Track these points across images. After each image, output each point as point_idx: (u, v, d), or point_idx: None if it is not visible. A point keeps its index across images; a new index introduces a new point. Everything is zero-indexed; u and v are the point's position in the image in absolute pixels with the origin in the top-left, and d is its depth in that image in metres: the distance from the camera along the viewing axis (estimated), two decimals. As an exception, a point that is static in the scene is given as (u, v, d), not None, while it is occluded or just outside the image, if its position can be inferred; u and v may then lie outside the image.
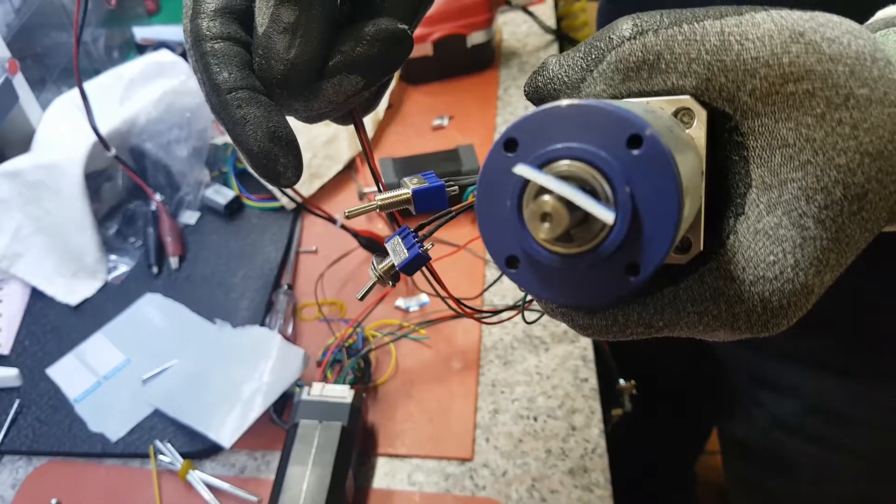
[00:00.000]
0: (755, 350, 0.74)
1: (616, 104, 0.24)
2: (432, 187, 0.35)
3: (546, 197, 0.23)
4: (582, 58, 0.29)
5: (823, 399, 0.70)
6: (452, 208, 0.35)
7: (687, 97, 0.27)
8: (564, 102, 0.24)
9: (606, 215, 0.22)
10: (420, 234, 0.35)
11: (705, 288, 0.27)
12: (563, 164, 0.23)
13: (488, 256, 0.84)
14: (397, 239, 0.34)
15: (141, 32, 1.12)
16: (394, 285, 0.36)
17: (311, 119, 0.35)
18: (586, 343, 0.76)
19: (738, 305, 0.27)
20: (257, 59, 0.32)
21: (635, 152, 0.23)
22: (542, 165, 0.24)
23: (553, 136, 0.24)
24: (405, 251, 0.34)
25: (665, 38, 0.27)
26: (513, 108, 1.03)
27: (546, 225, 0.23)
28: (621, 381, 0.82)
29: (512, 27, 1.18)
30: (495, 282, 0.80)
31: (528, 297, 0.39)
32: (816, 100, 0.25)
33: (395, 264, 0.34)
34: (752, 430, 0.80)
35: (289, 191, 0.71)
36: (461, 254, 0.81)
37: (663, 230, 0.23)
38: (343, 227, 0.75)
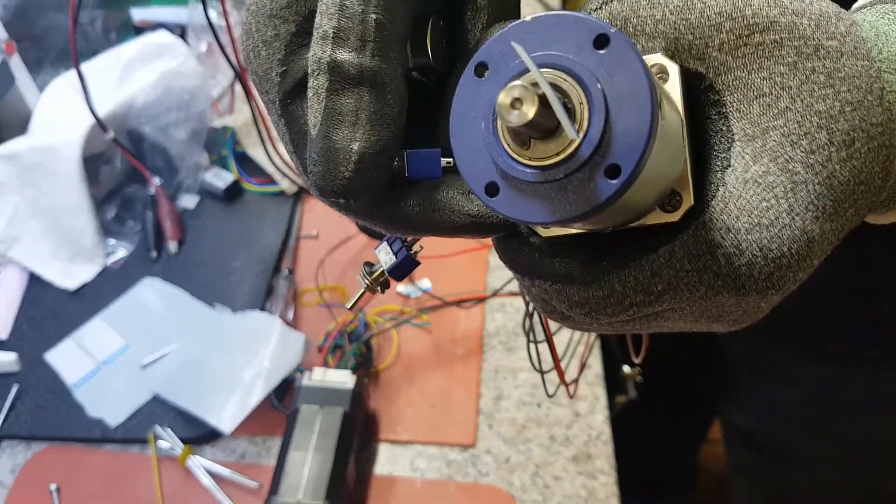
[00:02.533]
0: (755, 339, 0.74)
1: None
2: (427, 151, 0.31)
3: (516, 82, 0.22)
4: None
5: (823, 388, 0.70)
6: None
7: (658, 54, 0.27)
8: (529, 17, 0.24)
9: (577, 96, 0.22)
10: (408, 239, 0.34)
11: (701, 241, 0.26)
12: (532, 72, 0.23)
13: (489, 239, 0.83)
14: (385, 244, 0.34)
15: (139, 14, 1.10)
16: (383, 291, 0.35)
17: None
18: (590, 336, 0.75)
19: (738, 257, 0.26)
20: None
21: (602, 51, 0.23)
22: (512, 79, 0.23)
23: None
24: (393, 256, 0.33)
25: (630, 4, 0.27)
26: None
27: (515, 112, 0.22)
28: (626, 369, 0.81)
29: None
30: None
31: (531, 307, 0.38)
32: (786, 49, 0.25)
33: (385, 269, 0.34)
34: (752, 419, 0.80)
35: (289, 174, 0.70)
36: (460, 243, 0.80)
37: (639, 125, 0.22)
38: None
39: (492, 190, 0.25)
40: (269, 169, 0.86)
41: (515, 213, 0.25)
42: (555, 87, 0.23)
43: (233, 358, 0.69)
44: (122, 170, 0.89)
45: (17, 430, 0.69)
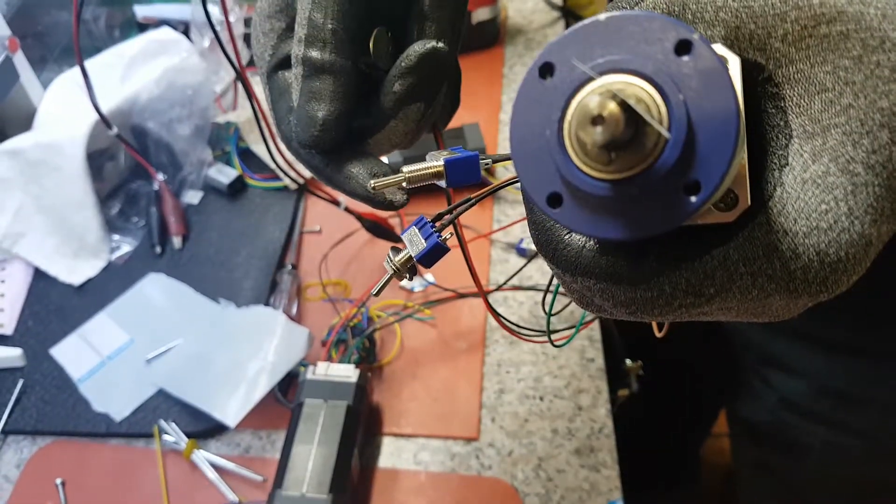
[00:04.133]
0: (764, 329, 0.74)
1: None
2: (465, 157, 0.32)
3: (593, 96, 0.20)
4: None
5: (833, 380, 0.70)
6: (472, 195, 0.33)
7: (717, 45, 0.25)
8: (603, 16, 0.22)
9: (662, 111, 0.20)
10: (438, 224, 0.33)
11: (757, 244, 0.25)
12: (605, 79, 0.22)
13: (495, 235, 0.83)
14: (414, 229, 0.33)
15: (142, 11, 1.10)
16: (411, 278, 0.35)
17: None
18: (593, 322, 0.75)
19: (794, 261, 0.25)
20: (294, 130, 0.38)
21: (685, 58, 0.21)
22: (582, 85, 0.22)
23: (593, 54, 0.22)
24: (423, 241, 0.32)
25: None
26: (518, 85, 1.01)
27: (598, 129, 0.20)
28: (628, 362, 0.81)
29: (518, 4, 1.17)
30: (519, 271, 0.80)
31: (554, 285, 0.37)
32: (852, 41, 0.24)
33: (413, 255, 0.32)
34: (760, 411, 0.79)
35: (291, 172, 0.70)
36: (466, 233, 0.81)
37: (722, 141, 0.21)
38: (347, 209, 0.74)
39: (555, 201, 0.24)
40: (272, 165, 0.86)
41: (581, 227, 0.24)
42: (633, 94, 0.21)
43: (237, 352, 0.69)
44: (126, 166, 0.89)
45: (23, 424, 0.69)
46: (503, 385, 0.70)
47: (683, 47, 0.21)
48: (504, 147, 0.94)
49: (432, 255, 0.32)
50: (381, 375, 0.70)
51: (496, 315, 0.42)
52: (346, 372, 0.63)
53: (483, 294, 0.40)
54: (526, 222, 0.30)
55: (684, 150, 0.21)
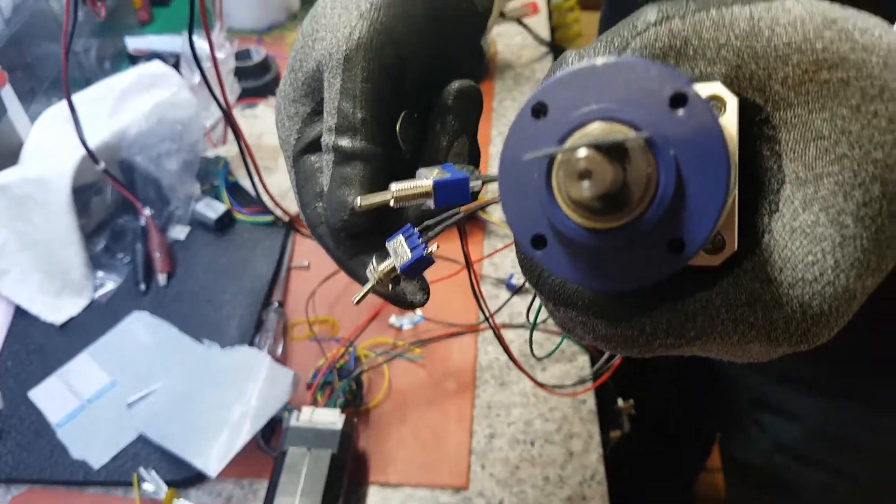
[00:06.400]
0: (757, 372, 0.73)
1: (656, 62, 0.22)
2: (455, 179, 0.31)
3: (582, 151, 0.20)
4: (604, 47, 0.27)
5: (825, 424, 0.69)
6: (461, 207, 0.32)
7: (717, 83, 0.25)
8: (599, 60, 0.22)
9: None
10: (424, 235, 0.32)
11: (741, 291, 0.25)
12: (597, 127, 0.21)
13: (485, 270, 0.82)
14: (400, 238, 0.32)
15: (133, 43, 1.10)
16: (392, 289, 0.34)
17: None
18: (584, 362, 0.74)
19: (776, 311, 0.25)
20: (324, 215, 0.38)
21: (679, 112, 0.21)
22: (573, 130, 0.22)
23: (586, 99, 0.22)
24: (408, 252, 0.31)
25: (692, 23, 0.25)
26: (507, 119, 1.01)
27: (585, 183, 0.20)
28: (620, 401, 0.80)
29: (506, 39, 1.17)
30: (505, 303, 0.78)
31: (539, 317, 0.37)
32: (851, 90, 0.24)
33: (397, 266, 0.32)
34: (753, 453, 0.78)
35: (277, 211, 0.69)
36: (448, 266, 0.79)
37: (710, 200, 0.21)
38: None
39: (539, 242, 0.24)
40: (264, 198, 0.85)
41: (563, 272, 0.24)
42: (623, 148, 0.21)
43: (220, 396, 0.68)
44: (113, 201, 0.88)
45: (-2, 471, 0.67)
46: (493, 429, 0.68)
47: (679, 100, 0.21)
48: (495, 188, 0.93)
49: (417, 266, 0.31)
50: (368, 419, 0.69)
51: (501, 338, 0.42)
52: (332, 418, 0.62)
53: (491, 316, 0.41)
54: (515, 255, 0.29)
55: (671, 207, 0.21)
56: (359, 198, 0.33)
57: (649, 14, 0.26)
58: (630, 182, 0.21)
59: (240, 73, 1.01)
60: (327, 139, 0.37)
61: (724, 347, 0.26)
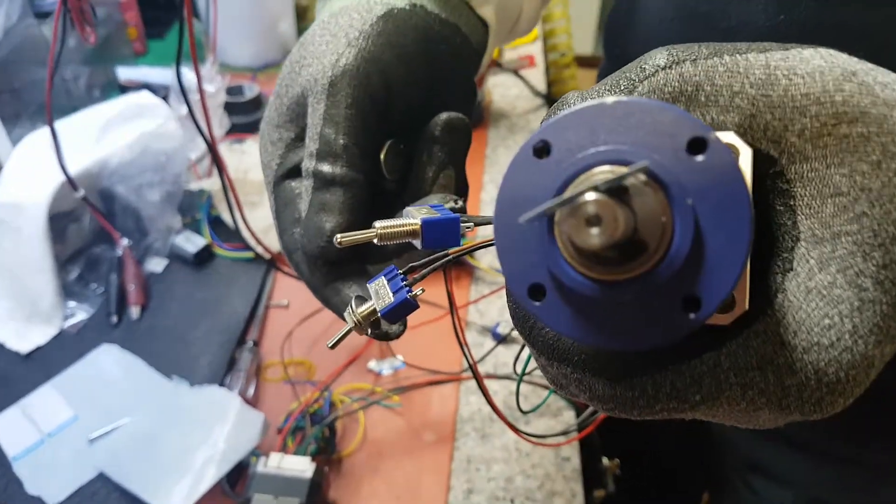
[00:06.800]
0: (750, 433, 0.70)
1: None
2: (445, 219, 0.29)
3: (591, 195, 0.18)
4: (609, 90, 0.26)
5: (821, 490, 0.67)
6: (450, 250, 0.30)
7: (730, 133, 0.23)
8: (610, 99, 0.20)
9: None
10: (410, 277, 0.30)
11: (751, 354, 0.23)
12: (605, 171, 0.19)
13: (470, 316, 0.79)
14: (382, 280, 0.30)
15: (125, 73, 1.09)
16: (371, 334, 0.31)
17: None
18: (570, 417, 0.71)
19: (789, 377, 0.23)
20: (301, 241, 0.37)
21: (698, 159, 0.19)
22: (579, 173, 0.20)
23: (594, 139, 0.20)
24: (390, 295, 0.29)
25: (705, 69, 0.24)
26: (500, 166, 1.00)
27: (594, 230, 0.18)
28: (605, 460, 0.77)
29: (503, 90, 1.17)
30: (489, 353, 0.76)
31: (528, 366, 0.34)
32: (872, 145, 0.22)
33: (378, 310, 0.29)
34: (742, 516, 0.75)
35: (258, 247, 0.67)
36: (432, 310, 0.77)
37: (731, 255, 0.19)
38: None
39: (536, 293, 0.21)
40: (244, 234, 0.83)
41: (562, 328, 0.21)
42: (635, 193, 0.19)
43: (186, 436, 0.64)
44: (91, 229, 0.86)
45: (-54, 506, 0.63)
46: (472, 484, 0.65)
47: (697, 146, 0.19)
48: (484, 232, 0.92)
49: (399, 311, 0.29)
50: (340, 469, 0.65)
51: (483, 387, 0.41)
52: (301, 465, 0.59)
53: (474, 364, 0.40)
54: (501, 302, 0.27)
55: (687, 261, 0.19)
56: (339, 235, 0.30)
57: (658, 57, 0.25)
58: (642, 230, 0.19)
59: (231, 109, 1.00)
60: (307, 164, 0.37)
61: (731, 413, 0.25)
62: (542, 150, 0.21)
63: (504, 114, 1.11)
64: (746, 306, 0.23)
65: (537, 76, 1.20)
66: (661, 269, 0.19)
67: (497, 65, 1.18)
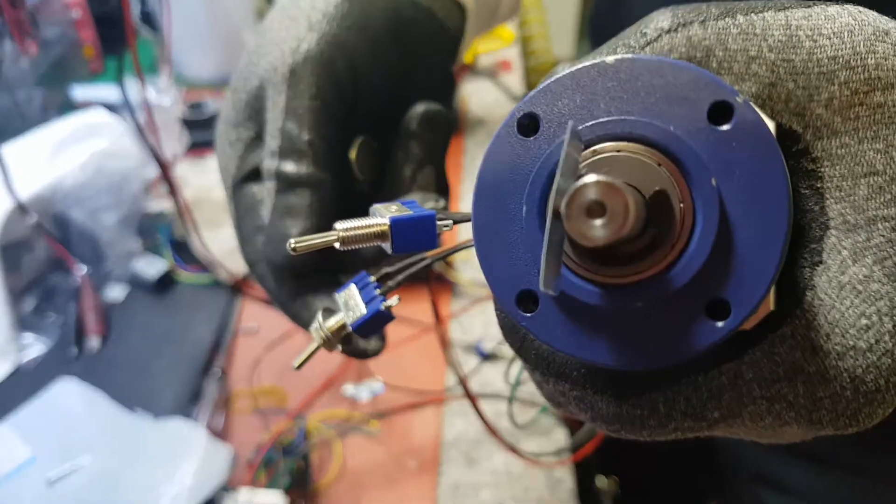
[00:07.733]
0: (759, 445, 0.67)
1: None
2: (418, 217, 0.24)
3: (591, 177, 0.14)
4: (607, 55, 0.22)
5: (831, 501, 0.63)
6: (427, 253, 0.27)
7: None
8: (611, 58, 0.16)
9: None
10: (384, 284, 0.26)
11: (777, 363, 0.20)
12: (609, 148, 0.16)
13: (452, 332, 0.75)
14: (352, 289, 0.26)
15: (82, 93, 1.04)
16: (342, 349, 0.28)
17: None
18: (561, 435, 0.67)
19: (822, 387, 0.20)
20: (264, 250, 0.34)
21: (723, 129, 0.15)
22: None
23: (592, 109, 0.16)
24: (362, 306, 0.25)
25: (716, 31, 0.20)
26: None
27: (597, 222, 0.14)
28: (602, 479, 0.73)
29: (479, 97, 1.14)
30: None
31: (521, 377, 0.31)
32: None
33: (348, 323, 0.26)
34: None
35: (220, 269, 0.63)
36: (410, 327, 0.73)
37: (766, 247, 0.16)
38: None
39: (526, 301, 0.18)
40: (202, 256, 0.79)
41: (558, 343, 0.18)
42: (646, 175, 0.15)
43: (150, 474, 0.60)
44: (46, 257, 0.81)
45: None
46: (458, 512, 0.61)
47: (721, 112, 0.16)
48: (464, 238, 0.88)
49: (372, 323, 0.25)
50: (317, 502, 0.61)
51: (475, 403, 0.39)
52: (273, 499, 0.55)
53: (464, 379, 0.36)
54: (486, 315, 0.23)
55: (711, 257, 0.15)
56: (292, 239, 0.25)
57: (661, 19, 0.21)
58: (656, 220, 0.16)
59: (192, 125, 0.96)
60: (269, 164, 0.34)
61: (753, 430, 0.21)
62: (528, 125, 0.17)
63: (481, 121, 1.08)
64: (772, 307, 0.19)
65: (515, 81, 1.17)
66: (679, 269, 0.16)
67: (471, 70, 1.16)
